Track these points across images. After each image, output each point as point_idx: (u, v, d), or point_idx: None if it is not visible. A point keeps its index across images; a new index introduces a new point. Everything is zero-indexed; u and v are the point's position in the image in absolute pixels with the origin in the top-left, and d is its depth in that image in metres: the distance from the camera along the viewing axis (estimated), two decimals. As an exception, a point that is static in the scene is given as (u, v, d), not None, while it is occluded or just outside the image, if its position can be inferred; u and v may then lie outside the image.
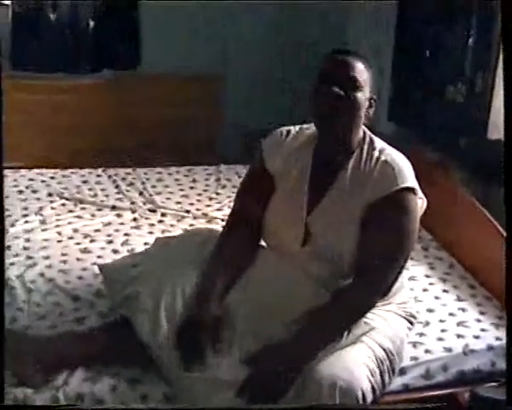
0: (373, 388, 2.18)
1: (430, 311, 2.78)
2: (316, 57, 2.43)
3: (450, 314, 2.77)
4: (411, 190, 2.31)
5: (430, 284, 3.00)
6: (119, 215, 3.50)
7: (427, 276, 3.06)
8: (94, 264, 2.94)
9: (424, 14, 3.84)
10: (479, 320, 2.75)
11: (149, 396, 2.26)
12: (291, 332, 2.24)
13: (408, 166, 2.35)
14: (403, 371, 2.44)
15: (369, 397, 2.15)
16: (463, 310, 2.81)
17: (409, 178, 2.31)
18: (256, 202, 2.48)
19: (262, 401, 2.14)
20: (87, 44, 4.62)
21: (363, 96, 2.27)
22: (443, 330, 2.66)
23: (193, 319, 2.28)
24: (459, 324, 2.71)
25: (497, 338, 2.63)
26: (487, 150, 3.32)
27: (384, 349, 2.29)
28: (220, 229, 2.73)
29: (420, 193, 2.36)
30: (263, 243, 2.57)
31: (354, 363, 2.17)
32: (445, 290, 2.96)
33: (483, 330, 2.68)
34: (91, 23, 4.57)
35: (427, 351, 2.54)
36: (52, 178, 3.88)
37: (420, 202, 2.37)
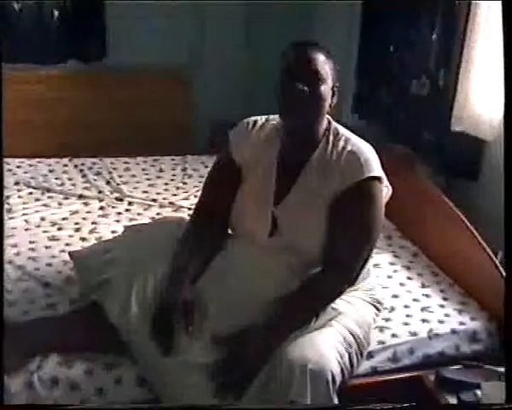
0: (342, 370, 2.23)
1: (395, 297, 2.83)
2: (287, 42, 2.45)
3: (415, 300, 2.83)
4: (377, 178, 2.36)
5: (394, 271, 3.06)
6: (86, 204, 3.53)
7: (392, 263, 3.12)
8: (63, 251, 2.97)
9: (389, 9, 3.89)
10: (442, 306, 2.81)
11: (123, 380, 2.29)
12: (261, 317, 2.27)
13: (373, 155, 2.39)
14: (370, 355, 2.49)
15: (339, 379, 2.19)
16: (427, 296, 2.87)
17: (375, 167, 2.35)
18: (223, 193, 2.51)
19: (233, 383, 2.18)
20: (52, 35, 4.59)
21: (327, 88, 2.29)
22: (408, 316, 2.71)
23: (164, 303, 2.30)
24: (423, 309, 2.77)
25: (461, 323, 2.70)
26: (451, 143, 3.39)
27: (352, 333, 2.34)
28: (188, 218, 2.76)
29: (385, 181, 2.41)
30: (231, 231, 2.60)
31: (324, 346, 2.21)
32: (409, 277, 3.01)
33: (447, 315, 2.74)
34: (56, 13, 4.54)
35: (393, 335, 2.59)
36: (18, 166, 3.89)
37: (385, 190, 2.42)
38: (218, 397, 2.15)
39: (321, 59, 2.29)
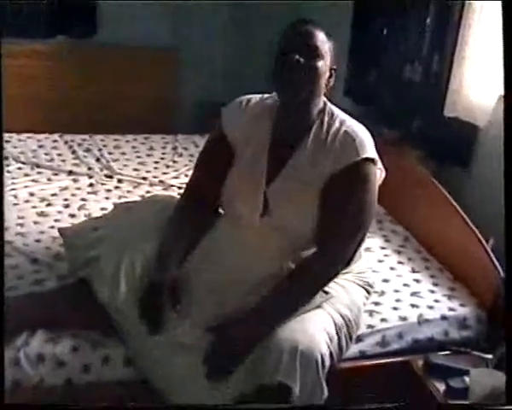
0: (331, 353, 2.22)
1: (385, 281, 2.83)
2: (275, 27, 2.43)
3: (405, 285, 2.83)
4: (371, 160, 2.33)
5: (385, 255, 3.05)
6: (75, 180, 3.50)
7: (383, 248, 3.11)
8: (52, 227, 2.95)
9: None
10: (432, 291, 2.80)
11: (111, 358, 2.28)
12: (251, 299, 2.26)
13: (368, 136, 2.37)
14: (359, 339, 2.49)
15: (328, 362, 2.18)
16: (417, 281, 2.87)
17: (369, 149, 2.33)
18: (215, 171, 2.48)
19: (223, 366, 2.17)
20: (41, 10, 4.54)
21: (324, 64, 2.27)
22: (398, 300, 2.71)
23: (152, 282, 2.28)
24: (413, 294, 2.77)
25: (450, 309, 2.70)
26: (443, 129, 3.38)
27: (342, 316, 2.33)
28: (178, 197, 2.74)
29: (379, 164, 2.39)
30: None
31: (314, 328, 2.20)
32: (399, 262, 3.01)
33: (436, 300, 2.74)
34: (47, -12, 4.50)
35: (382, 320, 2.59)
36: (7, 141, 3.84)
37: (378, 173, 2.40)
38: (207, 378, 2.14)
39: (321, 36, 2.26)
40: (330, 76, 2.33)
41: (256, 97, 2.50)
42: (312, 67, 2.24)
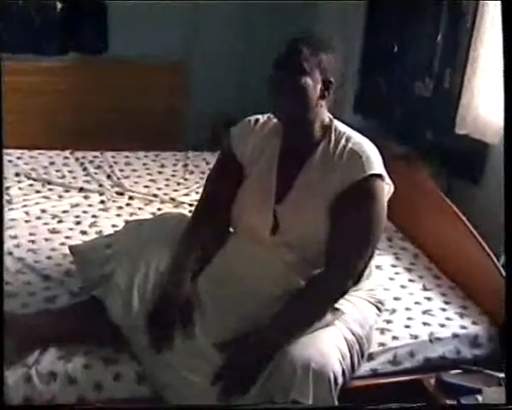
0: (343, 371, 2.22)
1: (397, 299, 2.82)
2: (284, 36, 2.44)
3: (416, 303, 2.82)
4: (379, 176, 2.33)
5: (396, 273, 3.05)
6: (86, 197, 3.51)
7: (393, 266, 3.11)
8: (63, 244, 2.95)
9: (394, 9, 3.88)
10: (444, 309, 2.80)
11: (122, 375, 2.27)
12: (262, 316, 2.26)
13: (375, 152, 2.37)
14: (371, 357, 2.48)
15: (340, 379, 2.18)
16: (429, 299, 2.86)
17: (376, 165, 2.33)
18: (225, 190, 2.49)
19: (236, 387, 2.17)
20: (54, 27, 4.58)
21: (311, 80, 2.26)
22: (409, 318, 2.71)
23: (163, 301, 2.30)
24: (425, 312, 2.76)
25: (462, 327, 2.69)
26: (454, 145, 3.38)
27: (354, 334, 2.33)
28: (189, 214, 2.75)
29: (387, 179, 2.38)
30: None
31: (326, 346, 2.20)
32: (410, 280, 3.00)
33: (448, 318, 2.73)
34: (59, 5, 4.53)
35: (394, 338, 2.58)
36: (19, 158, 3.87)
37: (387, 188, 2.40)
38: (220, 397, 2.15)
39: (305, 52, 2.26)
40: (326, 88, 2.32)
41: (264, 117, 2.52)
42: (296, 84, 2.25)
